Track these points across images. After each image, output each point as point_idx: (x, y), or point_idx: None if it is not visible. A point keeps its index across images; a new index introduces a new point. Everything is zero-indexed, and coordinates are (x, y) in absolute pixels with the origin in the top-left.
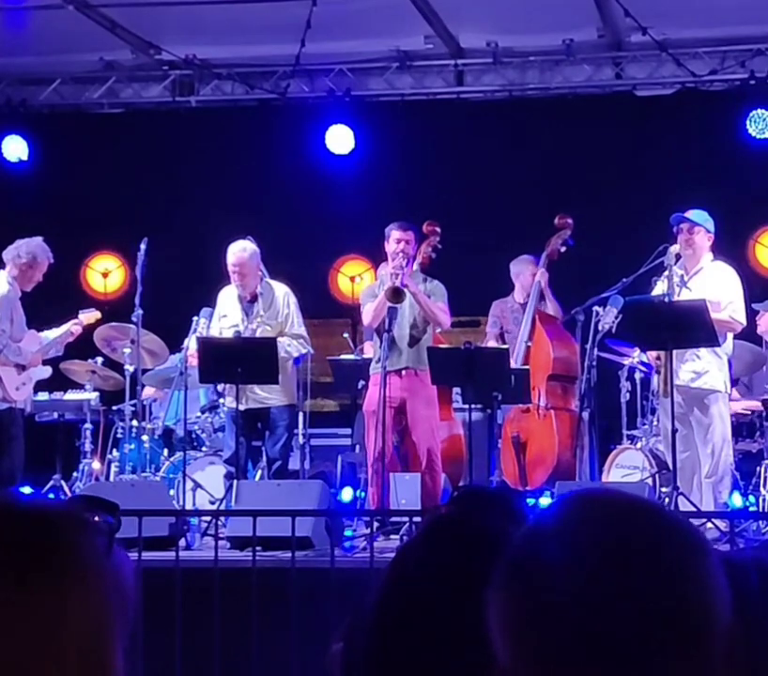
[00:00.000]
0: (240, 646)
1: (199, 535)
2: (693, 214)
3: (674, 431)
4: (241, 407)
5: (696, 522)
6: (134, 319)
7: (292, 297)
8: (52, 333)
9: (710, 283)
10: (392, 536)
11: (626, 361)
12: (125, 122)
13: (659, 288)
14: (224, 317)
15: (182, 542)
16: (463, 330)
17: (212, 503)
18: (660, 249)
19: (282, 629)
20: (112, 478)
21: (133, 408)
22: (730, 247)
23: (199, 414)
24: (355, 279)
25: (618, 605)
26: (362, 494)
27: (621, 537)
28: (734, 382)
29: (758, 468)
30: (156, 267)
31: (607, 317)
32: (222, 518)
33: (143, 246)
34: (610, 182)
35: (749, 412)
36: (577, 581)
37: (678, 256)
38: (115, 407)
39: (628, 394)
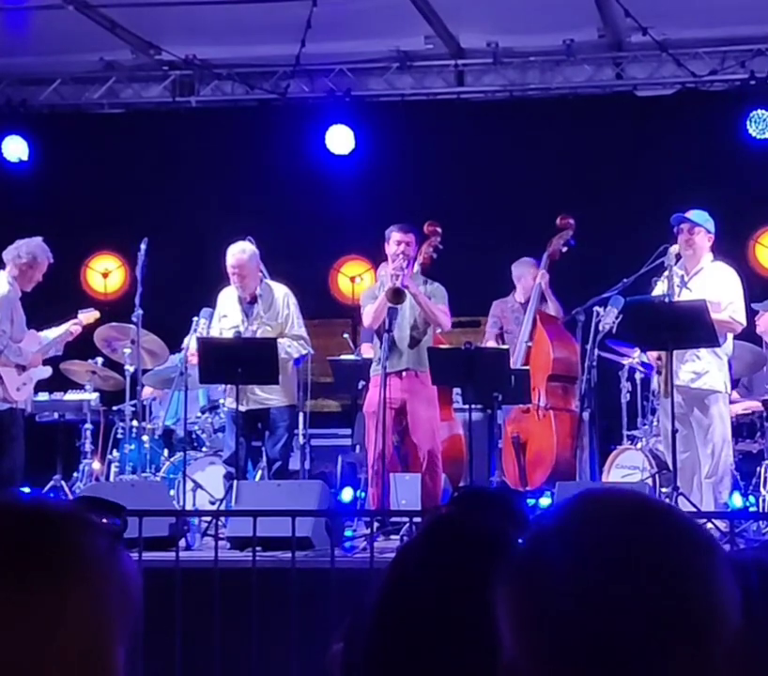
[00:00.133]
0: (240, 646)
1: (199, 535)
2: (693, 214)
3: (674, 431)
4: (242, 408)
5: None
6: (134, 319)
7: (292, 297)
8: (51, 333)
9: (710, 283)
10: (393, 536)
11: (626, 362)
12: (125, 122)
13: (659, 289)
14: (225, 318)
15: (182, 542)
16: (463, 330)
17: (212, 503)
18: (660, 249)
19: (282, 629)
20: (112, 478)
21: (133, 409)
22: (730, 247)
23: (199, 414)
24: (355, 279)
25: (622, 605)
26: (362, 494)
27: (626, 536)
28: (735, 383)
29: (758, 469)
30: (156, 267)
31: (608, 318)
32: (223, 518)
33: (143, 246)
34: (611, 182)
35: (750, 412)
36: (582, 581)
37: (678, 257)
38: (115, 408)
39: (628, 395)
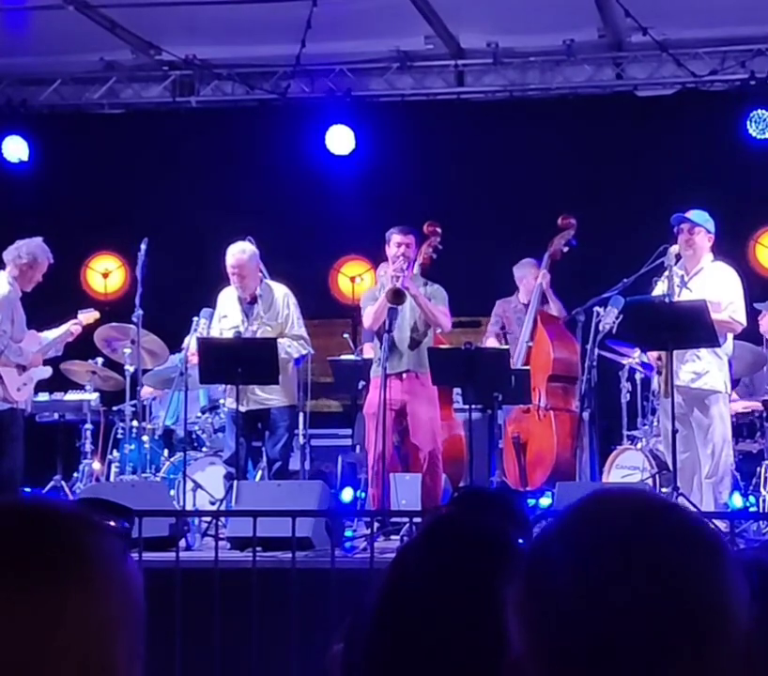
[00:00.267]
0: (240, 646)
1: (199, 536)
2: (693, 214)
3: (674, 431)
4: (242, 409)
5: None
6: (134, 319)
7: (292, 298)
8: (51, 334)
9: (710, 283)
10: (393, 536)
11: (627, 362)
12: (125, 122)
13: (659, 289)
14: (225, 318)
15: (182, 542)
16: (463, 330)
17: (212, 504)
18: (660, 249)
19: (282, 629)
20: (112, 478)
21: (134, 409)
22: (731, 247)
23: (199, 414)
24: (355, 279)
25: (625, 605)
26: (362, 494)
27: (632, 537)
28: (735, 383)
29: (758, 469)
30: (156, 267)
31: (608, 318)
32: (223, 519)
33: (143, 246)
34: (611, 182)
35: (749, 411)
36: (586, 581)
37: (678, 257)
38: (115, 408)
39: (628, 395)
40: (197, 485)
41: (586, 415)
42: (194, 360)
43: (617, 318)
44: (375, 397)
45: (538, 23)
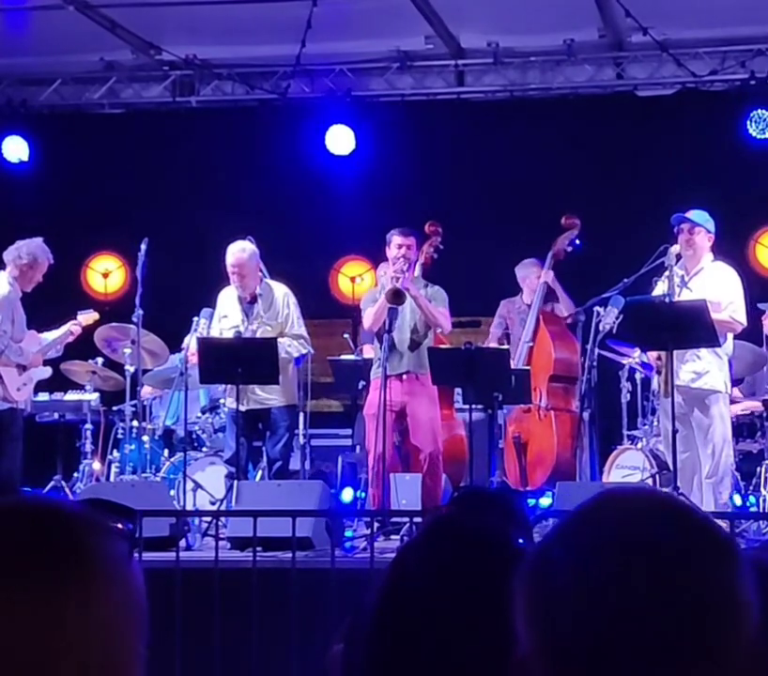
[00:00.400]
0: (240, 646)
1: (199, 536)
2: (693, 214)
3: (674, 431)
4: (242, 408)
5: None
6: (135, 320)
7: (292, 297)
8: (51, 334)
9: (710, 283)
10: (393, 536)
11: (627, 362)
12: (125, 122)
13: (660, 289)
14: (225, 318)
15: (183, 542)
16: (463, 330)
17: (213, 504)
18: (661, 249)
19: (282, 629)
20: (112, 478)
21: (134, 409)
22: (731, 247)
23: (199, 414)
24: (355, 279)
25: (640, 607)
26: (362, 494)
27: (646, 537)
28: (738, 382)
29: (758, 469)
30: (156, 267)
31: (608, 318)
32: (223, 519)
33: (143, 246)
34: (611, 182)
35: (749, 413)
36: (599, 582)
37: (678, 257)
38: (115, 408)
39: (629, 395)
40: (197, 485)
41: (586, 415)
42: (194, 359)
43: (617, 318)
44: (375, 398)
45: (538, 23)
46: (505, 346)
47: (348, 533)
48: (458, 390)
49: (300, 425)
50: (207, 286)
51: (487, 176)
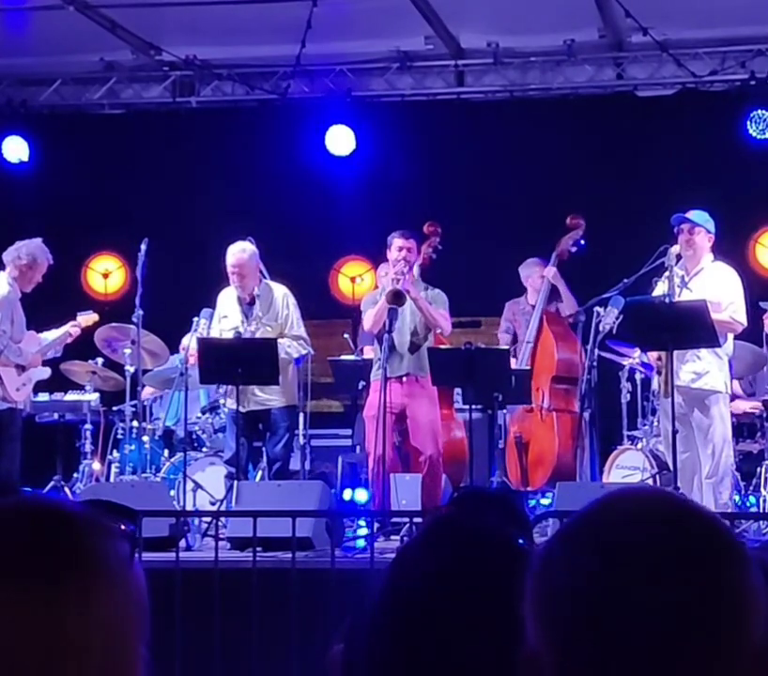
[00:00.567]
0: (240, 646)
1: (199, 536)
2: (693, 215)
3: (674, 432)
4: (243, 410)
5: None
6: (135, 320)
7: (291, 298)
8: (50, 335)
9: (710, 283)
10: (393, 537)
11: (627, 362)
12: (125, 123)
13: (660, 289)
14: (225, 319)
15: (182, 542)
16: (463, 330)
17: (213, 504)
18: (661, 249)
19: (282, 629)
20: (112, 479)
21: (134, 409)
22: (731, 247)
23: (199, 415)
24: (355, 279)
25: (650, 607)
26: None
27: (657, 538)
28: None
29: (758, 469)
30: (156, 267)
31: (608, 318)
32: (223, 519)
33: (143, 247)
34: (611, 183)
35: (756, 411)
36: (610, 582)
37: (678, 257)
38: (115, 408)
39: (629, 395)
40: (197, 486)
41: (586, 415)
42: (193, 360)
43: (617, 318)
44: (375, 400)
45: (538, 23)
46: (505, 347)
47: (349, 534)
48: (458, 390)
49: (300, 426)
50: (207, 286)
51: (487, 176)
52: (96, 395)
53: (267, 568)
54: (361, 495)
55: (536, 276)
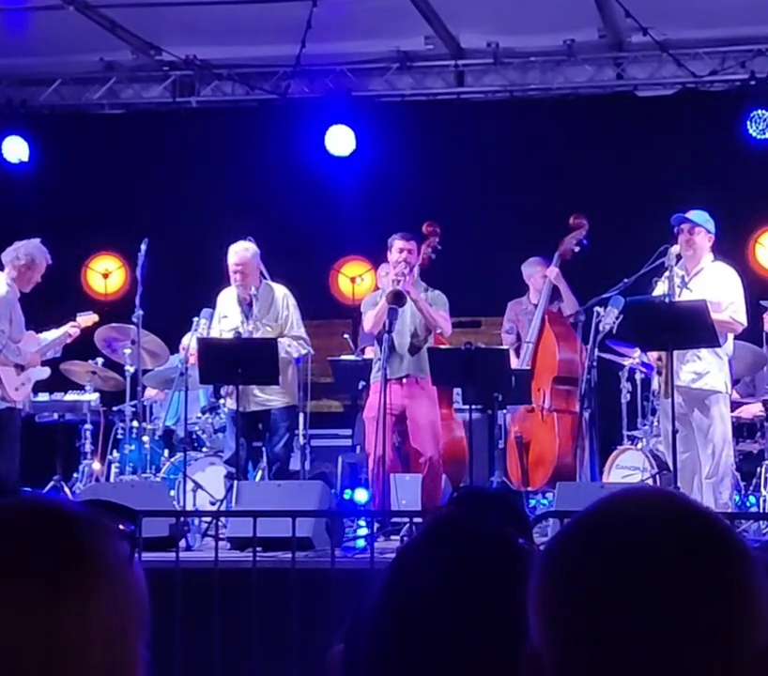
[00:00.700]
0: (240, 646)
1: (199, 536)
2: (693, 215)
3: (674, 432)
4: (243, 411)
5: None
6: (135, 320)
7: (291, 298)
8: (50, 335)
9: (710, 283)
10: (393, 537)
11: (627, 362)
12: (125, 123)
13: (660, 289)
14: (225, 319)
15: (182, 542)
16: (463, 330)
17: (213, 504)
18: (661, 249)
19: (282, 629)
20: (112, 479)
21: (134, 409)
22: (731, 247)
23: (199, 415)
24: (355, 280)
25: (656, 607)
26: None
27: (663, 539)
28: (735, 382)
29: (758, 469)
30: (156, 267)
31: (608, 318)
32: (223, 519)
33: (143, 247)
34: (611, 183)
35: (763, 414)
36: (615, 582)
37: (679, 257)
38: (115, 408)
39: (629, 395)
40: (197, 486)
41: (586, 415)
42: (193, 360)
43: (617, 318)
44: (374, 401)
45: (538, 23)
46: (505, 347)
47: (348, 533)
48: (457, 390)
49: (300, 426)
50: (207, 286)
51: (487, 176)
52: (96, 395)
53: (267, 568)
54: (361, 495)
55: (538, 276)
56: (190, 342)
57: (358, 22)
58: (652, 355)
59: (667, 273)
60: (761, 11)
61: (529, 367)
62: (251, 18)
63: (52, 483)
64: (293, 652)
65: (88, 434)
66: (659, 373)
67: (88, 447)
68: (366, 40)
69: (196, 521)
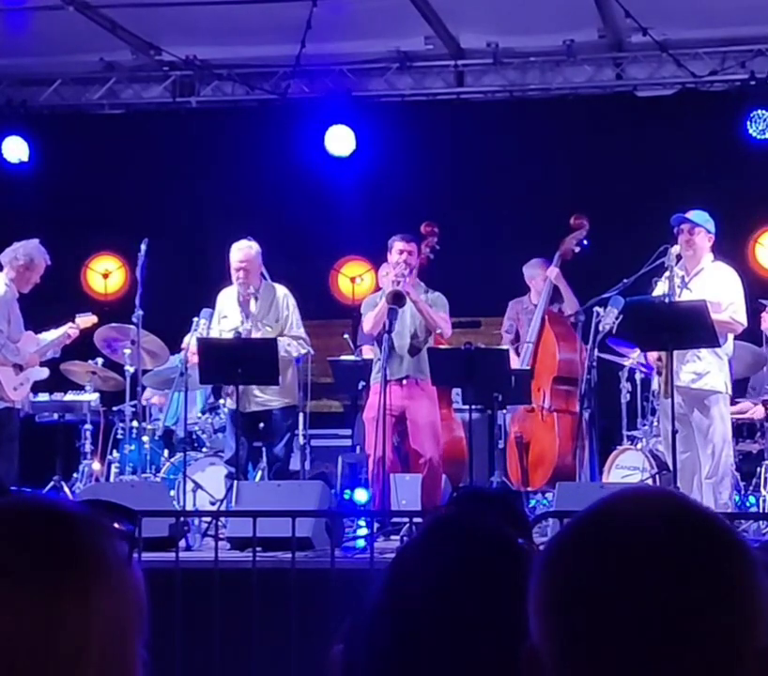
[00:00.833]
0: (240, 646)
1: (199, 536)
2: (693, 215)
3: (674, 432)
4: (243, 411)
5: None
6: (135, 320)
7: (291, 298)
8: (49, 335)
9: (710, 283)
10: (393, 537)
11: (627, 362)
12: (125, 123)
13: (660, 289)
14: (225, 319)
15: (182, 542)
16: (463, 330)
17: (212, 504)
18: (661, 249)
19: (282, 629)
20: (112, 479)
21: (134, 409)
22: (730, 247)
23: (199, 415)
24: (355, 280)
25: (647, 607)
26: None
27: (665, 538)
28: (742, 388)
29: (758, 469)
30: (156, 267)
31: (608, 318)
32: (223, 519)
33: (143, 247)
34: (611, 183)
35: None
36: (606, 581)
37: (679, 257)
38: (115, 408)
39: (628, 395)
40: (197, 486)
41: (586, 415)
42: (194, 359)
43: (617, 319)
44: (374, 402)
45: (538, 24)
46: (505, 347)
47: (348, 533)
48: (457, 390)
49: (300, 426)
50: (207, 286)
51: (487, 176)
52: (96, 395)
53: (267, 568)
54: (361, 495)
55: (540, 277)
56: (189, 341)
57: (358, 22)
58: (652, 355)
59: (667, 273)
60: (761, 11)
61: (529, 367)
62: (251, 18)
63: (51, 484)
64: (293, 652)
65: (88, 434)
66: (659, 373)
67: (88, 447)
68: (366, 40)
69: (196, 521)
